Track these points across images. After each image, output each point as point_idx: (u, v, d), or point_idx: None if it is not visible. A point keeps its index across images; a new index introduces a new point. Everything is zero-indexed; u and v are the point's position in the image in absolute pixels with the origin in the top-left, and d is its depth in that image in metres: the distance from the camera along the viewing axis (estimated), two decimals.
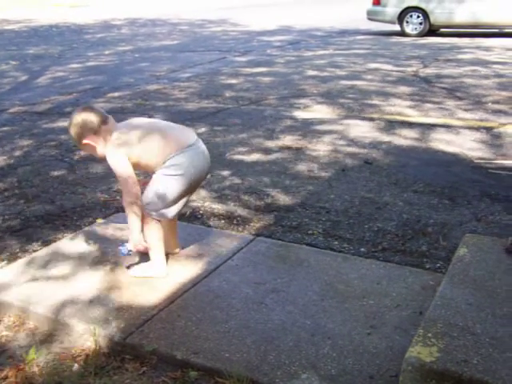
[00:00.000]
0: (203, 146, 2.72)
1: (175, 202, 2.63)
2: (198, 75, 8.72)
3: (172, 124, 2.75)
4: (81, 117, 2.58)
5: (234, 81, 8.16)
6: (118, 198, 3.90)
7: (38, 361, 2.23)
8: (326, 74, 8.65)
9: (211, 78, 8.39)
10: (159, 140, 2.58)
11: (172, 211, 2.65)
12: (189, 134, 2.70)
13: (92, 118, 2.58)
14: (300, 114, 6.14)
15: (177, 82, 8.21)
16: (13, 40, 13.74)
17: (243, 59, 10.33)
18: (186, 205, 2.77)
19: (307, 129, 5.55)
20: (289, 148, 4.94)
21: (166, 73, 9.00)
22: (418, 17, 13.84)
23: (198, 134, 5.51)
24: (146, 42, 13.27)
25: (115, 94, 7.38)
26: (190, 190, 2.68)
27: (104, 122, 2.59)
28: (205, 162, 2.70)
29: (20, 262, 2.92)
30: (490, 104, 6.49)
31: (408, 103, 6.58)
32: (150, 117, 6.10)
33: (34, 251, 3.10)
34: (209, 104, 6.72)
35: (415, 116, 6.01)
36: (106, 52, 11.49)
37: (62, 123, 5.92)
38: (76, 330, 2.36)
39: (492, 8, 13.03)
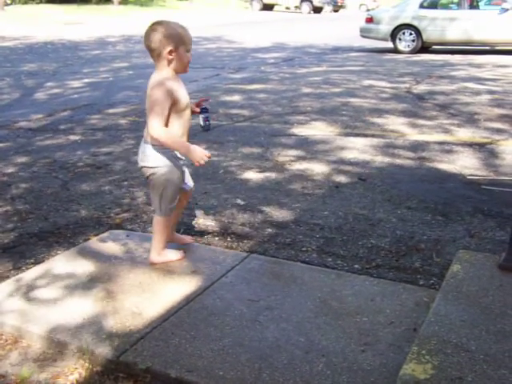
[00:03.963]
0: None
1: None
2: (192, 92, 8.74)
3: None
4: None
5: (228, 98, 8.20)
6: (111, 215, 3.90)
7: (30, 380, 2.21)
8: (320, 90, 8.71)
9: (205, 95, 8.43)
10: None
11: None
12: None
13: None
14: (294, 131, 6.16)
15: None
16: (8, 57, 13.78)
17: (238, 76, 10.40)
18: None
19: (301, 145, 5.57)
20: (283, 165, 4.96)
21: None
22: (411, 34, 14.01)
23: None
24: (141, 58, 13.32)
25: (110, 111, 7.40)
26: None
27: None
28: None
29: (13, 280, 2.90)
30: (482, 121, 6.55)
31: (401, 120, 6.62)
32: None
33: (28, 269, 3.08)
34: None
35: (408, 133, 6.04)
36: (101, 69, 11.53)
37: (57, 140, 5.93)
38: (69, 348, 2.35)
39: (483, 26, 13.21)
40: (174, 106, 2.76)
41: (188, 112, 2.91)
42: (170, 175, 2.87)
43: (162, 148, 2.81)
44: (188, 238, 3.33)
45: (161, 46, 2.73)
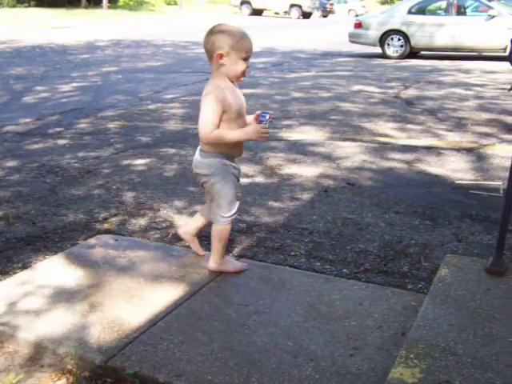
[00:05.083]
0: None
1: None
2: (181, 96, 8.75)
3: None
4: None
5: None
6: (99, 219, 3.88)
7: None
8: (309, 95, 8.74)
9: (195, 100, 8.42)
10: None
11: None
12: None
13: None
14: (283, 136, 6.17)
15: (160, 103, 8.24)
16: None
17: None
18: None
19: (290, 150, 5.58)
20: (271, 169, 4.96)
21: (150, 94, 9.03)
22: (399, 39, 14.11)
23: (182, 155, 5.54)
24: (130, 63, 13.31)
25: (98, 115, 7.37)
26: None
27: None
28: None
29: None
30: (470, 125, 6.59)
31: (390, 125, 6.66)
32: (132, 138, 6.11)
33: (15, 273, 3.06)
34: (192, 125, 6.73)
35: (397, 137, 6.08)
36: (90, 73, 11.49)
37: (45, 144, 5.90)
38: (57, 353, 2.33)
39: (470, 32, 13.35)
40: (223, 114, 2.68)
41: (241, 121, 2.79)
42: (223, 184, 2.79)
43: (213, 155, 2.77)
44: (200, 251, 3.21)
45: (212, 48, 2.66)
